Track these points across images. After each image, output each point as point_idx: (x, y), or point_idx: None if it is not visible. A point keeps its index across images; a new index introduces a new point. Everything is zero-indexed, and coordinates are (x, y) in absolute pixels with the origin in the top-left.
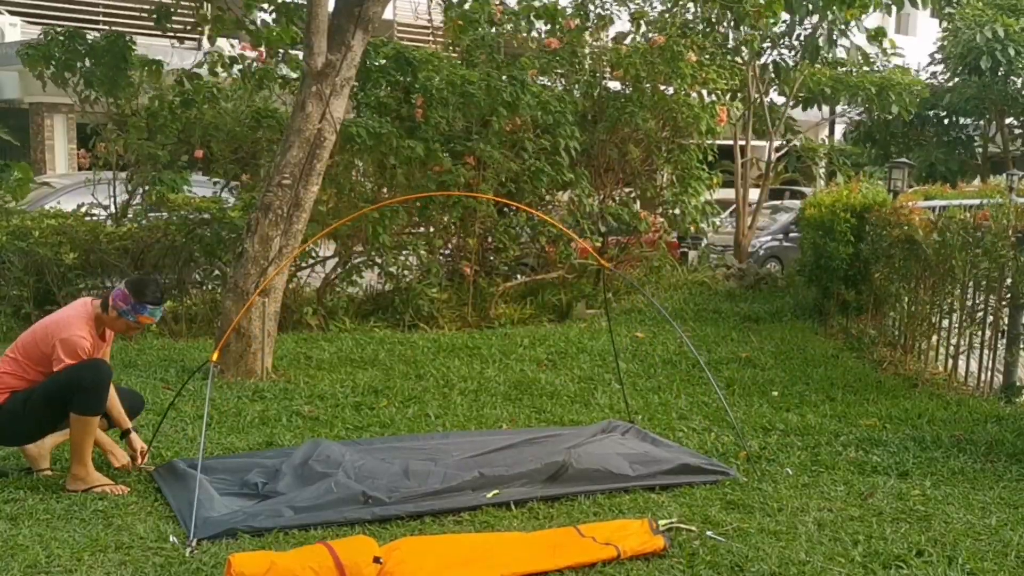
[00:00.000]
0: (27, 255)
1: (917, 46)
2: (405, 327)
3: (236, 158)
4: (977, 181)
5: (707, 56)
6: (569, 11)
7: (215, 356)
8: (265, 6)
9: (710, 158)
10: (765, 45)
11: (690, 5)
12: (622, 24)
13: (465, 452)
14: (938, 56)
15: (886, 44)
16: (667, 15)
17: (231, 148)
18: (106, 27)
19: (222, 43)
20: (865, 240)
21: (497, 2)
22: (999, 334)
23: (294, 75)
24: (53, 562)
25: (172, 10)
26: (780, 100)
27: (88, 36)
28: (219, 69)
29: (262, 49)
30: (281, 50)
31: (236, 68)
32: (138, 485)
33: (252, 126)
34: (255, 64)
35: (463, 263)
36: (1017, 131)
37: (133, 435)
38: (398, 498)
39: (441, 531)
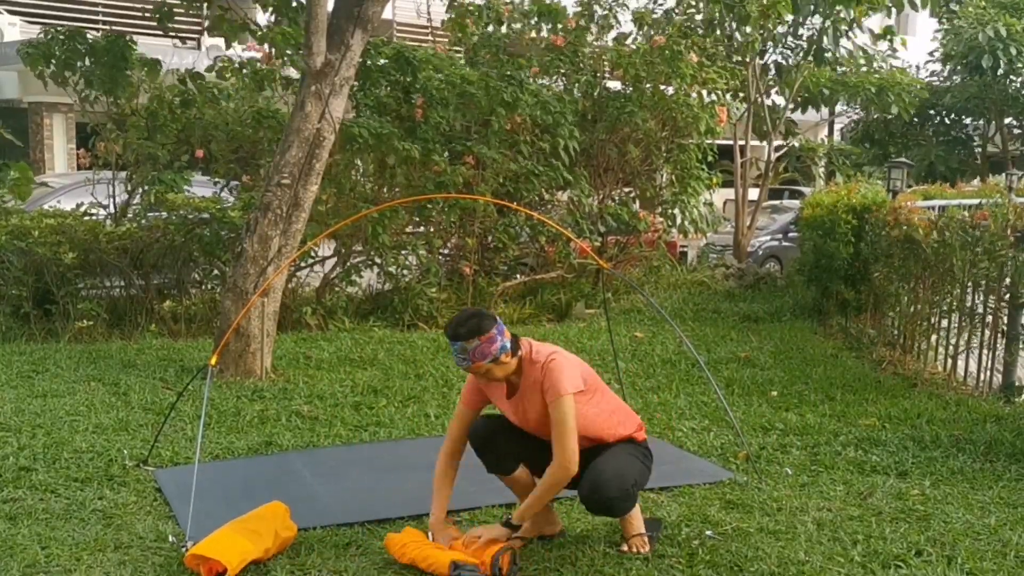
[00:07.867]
0: (26, 255)
1: (917, 46)
2: (404, 327)
3: (236, 158)
4: (976, 181)
5: (708, 57)
6: (573, 12)
7: (214, 360)
8: (268, 6)
9: (710, 158)
10: (766, 45)
11: (691, 2)
12: (624, 25)
13: None
14: (938, 55)
15: (897, 43)
16: (672, 13)
17: (231, 148)
18: (106, 27)
19: (222, 45)
20: (865, 240)
21: (506, 1)
22: (998, 334)
23: (296, 75)
24: (52, 562)
25: (173, 10)
26: (780, 101)
27: (88, 36)
28: (228, 75)
29: (265, 46)
30: (288, 52)
31: (245, 72)
32: (137, 485)
33: (253, 126)
34: (262, 65)
35: (462, 263)
36: (1016, 131)
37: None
38: None
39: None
